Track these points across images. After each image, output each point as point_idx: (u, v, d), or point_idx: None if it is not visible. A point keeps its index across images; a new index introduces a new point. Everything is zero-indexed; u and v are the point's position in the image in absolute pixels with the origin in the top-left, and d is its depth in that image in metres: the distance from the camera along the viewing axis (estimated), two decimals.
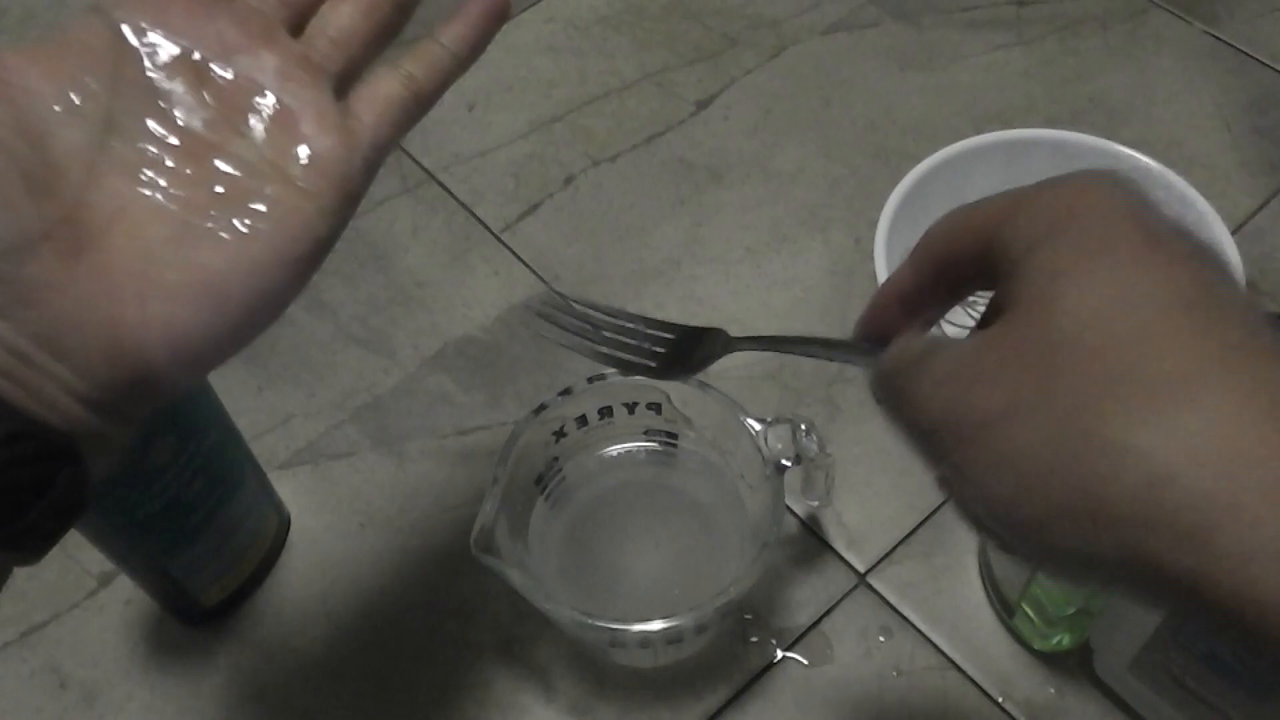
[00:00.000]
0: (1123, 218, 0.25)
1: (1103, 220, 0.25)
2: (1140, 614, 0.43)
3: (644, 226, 0.65)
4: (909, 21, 0.74)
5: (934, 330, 0.48)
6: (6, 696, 0.50)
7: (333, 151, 0.30)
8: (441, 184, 0.68)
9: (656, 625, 0.42)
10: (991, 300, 0.28)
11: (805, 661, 0.50)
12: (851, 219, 0.65)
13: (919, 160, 0.57)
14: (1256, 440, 0.22)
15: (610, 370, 0.48)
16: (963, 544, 0.52)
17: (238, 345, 0.29)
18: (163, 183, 0.28)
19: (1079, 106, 0.69)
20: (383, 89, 0.31)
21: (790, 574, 0.52)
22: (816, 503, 0.52)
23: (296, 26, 0.32)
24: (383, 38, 0.33)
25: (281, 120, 0.30)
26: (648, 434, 0.51)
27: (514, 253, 0.64)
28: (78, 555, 0.53)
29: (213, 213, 0.28)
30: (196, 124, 0.29)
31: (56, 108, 0.27)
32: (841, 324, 0.60)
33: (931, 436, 0.27)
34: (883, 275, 0.53)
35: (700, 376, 0.47)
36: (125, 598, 0.52)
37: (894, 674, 0.49)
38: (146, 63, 0.29)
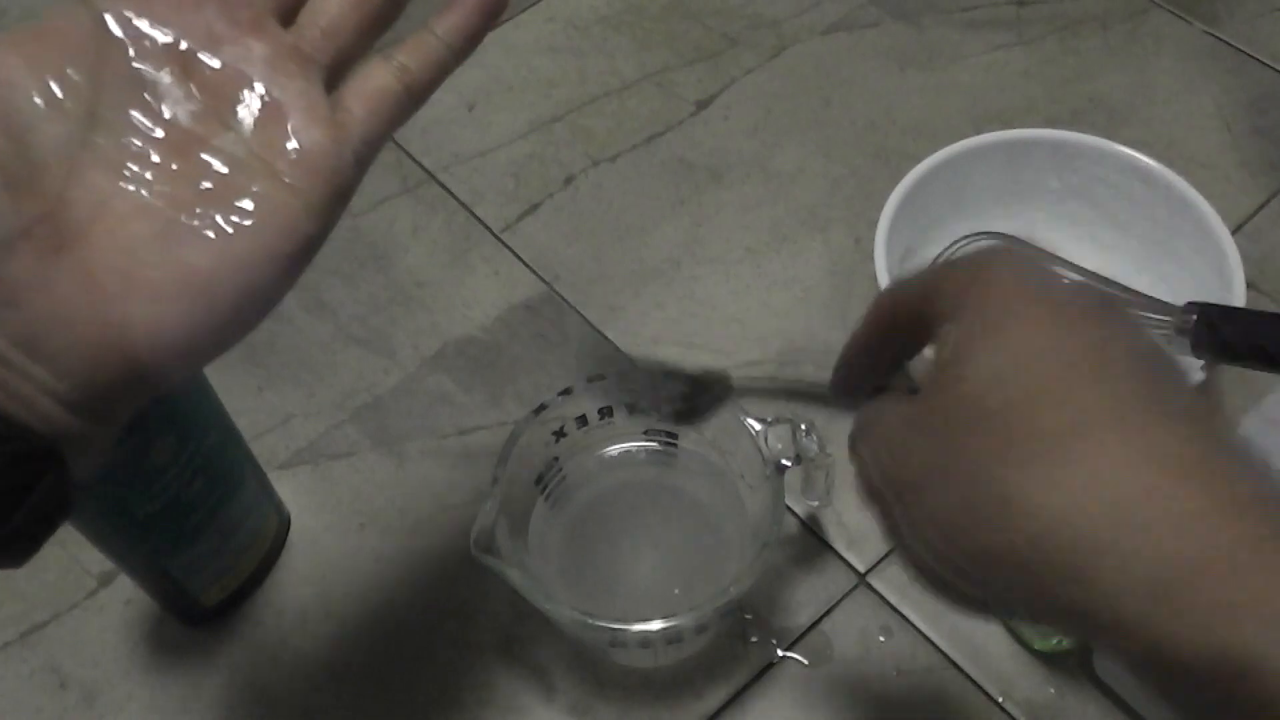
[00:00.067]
0: (1020, 288, 0.28)
1: (1003, 292, 0.28)
2: None
3: (644, 226, 0.65)
4: (909, 21, 0.74)
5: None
6: (6, 696, 0.50)
7: (322, 146, 0.29)
8: (441, 184, 0.68)
9: (656, 625, 0.42)
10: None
11: (805, 661, 0.50)
12: (851, 219, 0.65)
13: (919, 160, 0.57)
14: (1134, 485, 0.24)
15: (611, 371, 0.48)
16: None
17: (225, 345, 0.28)
18: (147, 178, 0.27)
19: (1079, 106, 0.69)
20: (375, 82, 0.30)
21: (790, 574, 0.52)
22: (816, 503, 0.52)
23: (286, 16, 0.31)
24: (375, 28, 0.31)
25: (270, 113, 0.29)
26: (648, 434, 0.51)
27: (514, 253, 0.64)
28: (78, 555, 0.53)
29: (198, 209, 0.27)
30: (182, 117, 0.28)
31: (37, 101, 0.27)
32: (842, 324, 0.60)
33: (875, 496, 0.30)
34: (883, 275, 0.53)
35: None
36: (125, 598, 0.52)
37: (894, 674, 0.49)
38: (131, 53, 0.28)
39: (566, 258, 0.64)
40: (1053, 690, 0.48)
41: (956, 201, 0.59)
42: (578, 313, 0.61)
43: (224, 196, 0.28)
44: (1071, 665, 0.48)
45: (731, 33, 0.74)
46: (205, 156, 0.28)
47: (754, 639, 0.50)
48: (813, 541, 0.53)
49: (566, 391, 0.48)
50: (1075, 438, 0.25)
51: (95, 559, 0.50)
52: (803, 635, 0.50)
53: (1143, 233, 0.58)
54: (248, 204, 0.28)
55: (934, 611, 0.51)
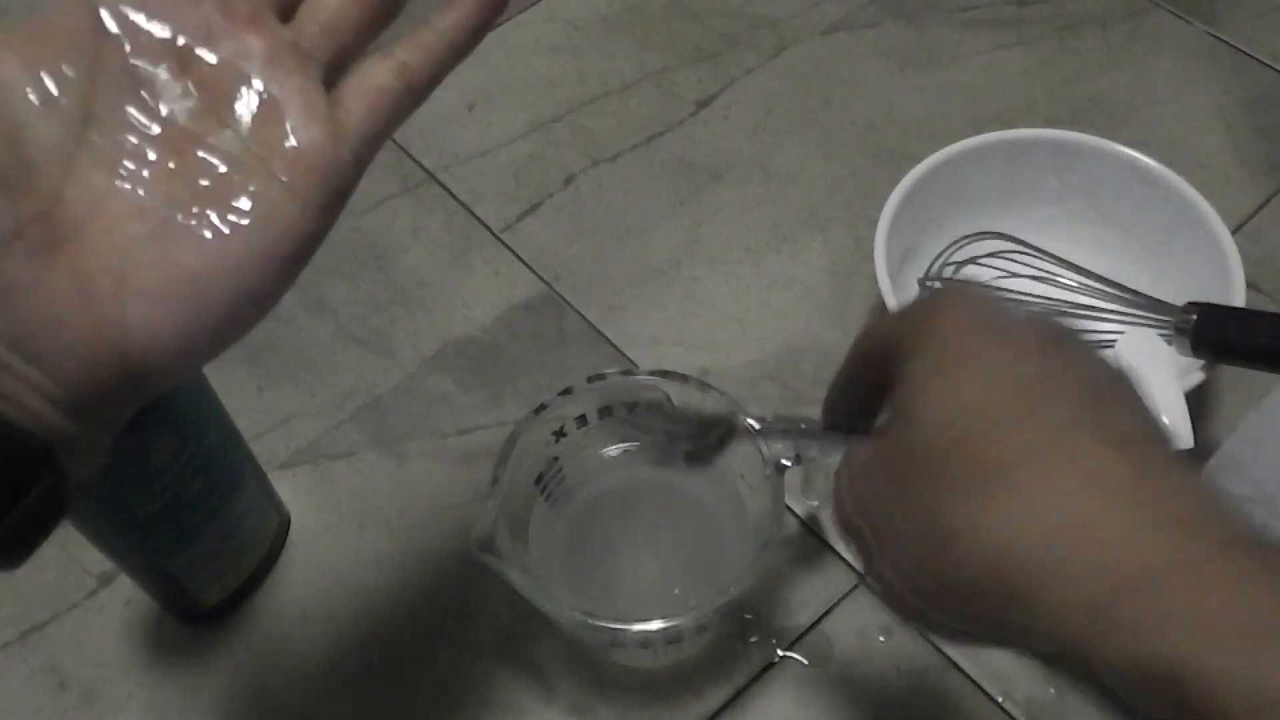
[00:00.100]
0: (970, 332, 0.29)
1: (953, 336, 0.29)
2: None
3: (644, 226, 0.65)
4: (909, 21, 0.74)
5: None
6: (6, 696, 0.50)
7: (320, 144, 0.28)
8: (441, 184, 0.68)
9: (656, 625, 0.42)
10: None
11: (805, 661, 0.50)
12: (851, 219, 0.65)
13: (919, 160, 0.57)
14: (1072, 511, 0.25)
15: (610, 370, 0.48)
16: None
17: (220, 347, 0.28)
18: (142, 177, 0.27)
19: (1079, 106, 0.69)
20: (374, 79, 0.30)
21: (790, 574, 0.52)
22: (816, 503, 0.52)
23: (285, 12, 0.30)
24: (375, 25, 0.31)
25: (267, 111, 0.28)
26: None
27: (514, 253, 0.64)
28: (78, 555, 0.53)
29: (194, 209, 0.27)
30: (178, 114, 0.28)
31: (31, 98, 0.26)
32: (842, 324, 0.60)
33: (849, 531, 0.31)
34: (883, 275, 0.53)
35: (700, 377, 0.48)
36: (125, 598, 0.52)
37: (894, 674, 0.49)
38: (127, 48, 0.28)
39: (566, 258, 0.64)
40: (1053, 690, 0.48)
41: (956, 201, 0.59)
42: (578, 313, 0.61)
43: (220, 196, 0.27)
44: (1071, 665, 0.48)
45: (731, 33, 0.74)
46: (201, 155, 0.28)
47: (754, 639, 0.50)
48: (813, 541, 0.53)
49: (566, 391, 0.48)
50: (1017, 469, 0.26)
51: (95, 559, 0.50)
52: (803, 635, 0.50)
53: (1143, 233, 0.58)
54: (244, 203, 0.27)
55: None
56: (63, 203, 0.26)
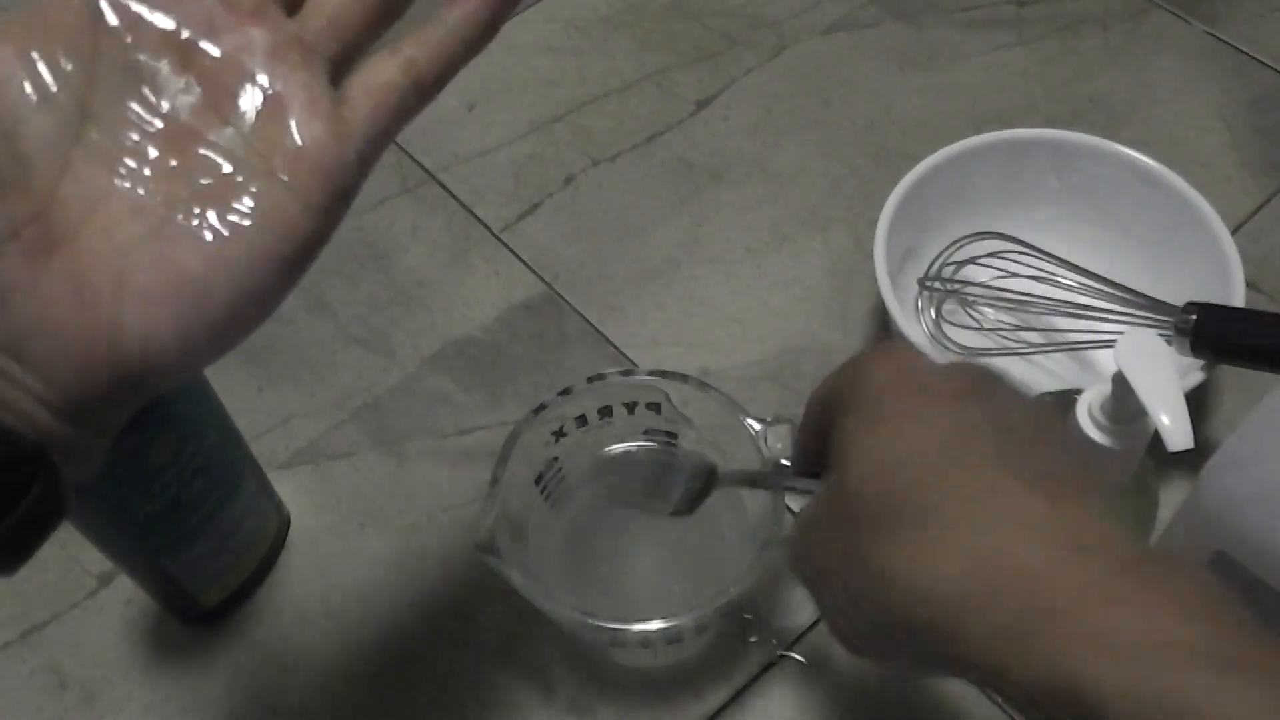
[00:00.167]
0: (894, 386, 0.31)
1: (878, 391, 0.31)
2: None
3: (644, 226, 0.65)
4: (909, 21, 0.74)
5: (936, 331, 0.51)
6: (6, 696, 0.50)
7: (323, 143, 0.27)
8: (441, 184, 0.68)
9: (656, 625, 0.42)
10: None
11: (805, 661, 0.50)
12: (851, 219, 0.65)
13: (919, 160, 0.57)
14: (988, 547, 0.27)
15: (610, 370, 0.49)
16: None
17: (220, 350, 0.27)
18: (142, 175, 0.26)
19: (1079, 106, 0.69)
20: (381, 75, 0.29)
21: (790, 574, 0.52)
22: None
23: (291, 5, 0.29)
24: (383, 20, 0.30)
25: (270, 107, 0.27)
26: (648, 434, 0.51)
27: (514, 253, 0.64)
28: (78, 555, 0.53)
29: (195, 209, 0.26)
30: (178, 110, 0.27)
31: (28, 93, 0.25)
32: (841, 324, 0.60)
33: (802, 579, 0.33)
34: (883, 275, 0.53)
35: (700, 377, 0.48)
36: (125, 598, 0.52)
37: (894, 673, 0.49)
38: (127, 41, 0.27)
39: (566, 258, 0.64)
40: None
41: (956, 201, 0.59)
42: (578, 313, 0.61)
43: (220, 195, 0.26)
44: None
45: (731, 33, 0.74)
46: (202, 152, 0.27)
47: (754, 639, 0.50)
48: None
49: (566, 391, 0.48)
50: (938, 512, 0.28)
51: (95, 559, 0.50)
52: (803, 635, 0.50)
53: (1143, 233, 0.58)
54: (245, 204, 0.26)
55: None
56: (59, 202, 0.25)
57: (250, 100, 0.27)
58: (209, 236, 0.26)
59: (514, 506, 0.46)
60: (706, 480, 0.43)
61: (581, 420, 0.49)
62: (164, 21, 0.27)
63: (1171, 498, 0.46)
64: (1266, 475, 0.38)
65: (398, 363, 0.60)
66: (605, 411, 0.49)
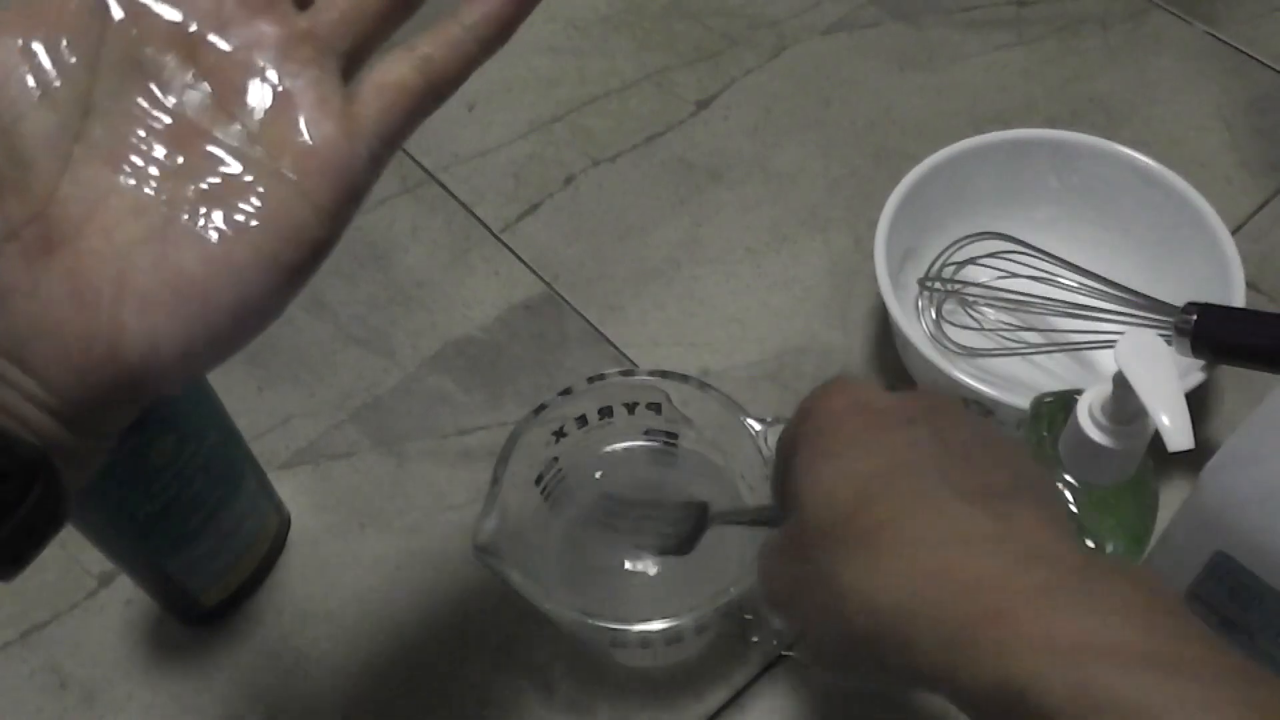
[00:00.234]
0: (843, 417, 0.33)
1: (832, 422, 0.33)
2: None
3: (644, 226, 0.65)
4: (909, 21, 0.74)
5: (936, 331, 0.51)
6: (6, 696, 0.50)
7: (334, 142, 0.27)
8: (441, 184, 0.68)
9: (657, 625, 0.42)
10: None
11: (805, 661, 0.50)
12: (851, 219, 0.65)
13: (919, 160, 0.57)
14: (933, 561, 0.28)
15: (610, 370, 0.49)
16: None
17: (223, 354, 0.27)
18: (145, 173, 0.25)
19: (1079, 106, 0.69)
20: (395, 74, 0.28)
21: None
22: None
23: None
24: (397, 15, 0.29)
25: (279, 104, 0.26)
26: (648, 434, 0.51)
27: (514, 253, 0.64)
28: (78, 555, 0.53)
29: (200, 209, 0.25)
30: (184, 106, 0.26)
31: (29, 87, 0.25)
32: (841, 324, 0.60)
33: (776, 608, 0.34)
34: (883, 275, 0.53)
35: (700, 377, 0.48)
36: (125, 598, 0.52)
37: None
38: (133, 33, 0.26)
39: (566, 258, 0.64)
40: None
41: (956, 201, 0.59)
42: (578, 313, 0.61)
43: (225, 196, 0.26)
44: None
45: (731, 33, 0.74)
46: (208, 150, 0.26)
47: (754, 639, 0.50)
48: None
49: (566, 391, 0.48)
50: (886, 532, 0.29)
51: (95, 559, 0.50)
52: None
53: (1143, 233, 0.58)
54: (252, 204, 0.26)
55: None
56: (59, 201, 0.25)
57: (259, 97, 0.27)
58: (214, 237, 0.25)
59: (514, 506, 0.46)
60: (697, 522, 0.43)
61: (582, 420, 0.49)
62: (171, 14, 0.26)
63: (1171, 498, 0.46)
64: (1266, 475, 0.38)
65: (398, 363, 0.60)
66: (606, 412, 0.49)
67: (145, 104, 0.26)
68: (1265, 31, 0.72)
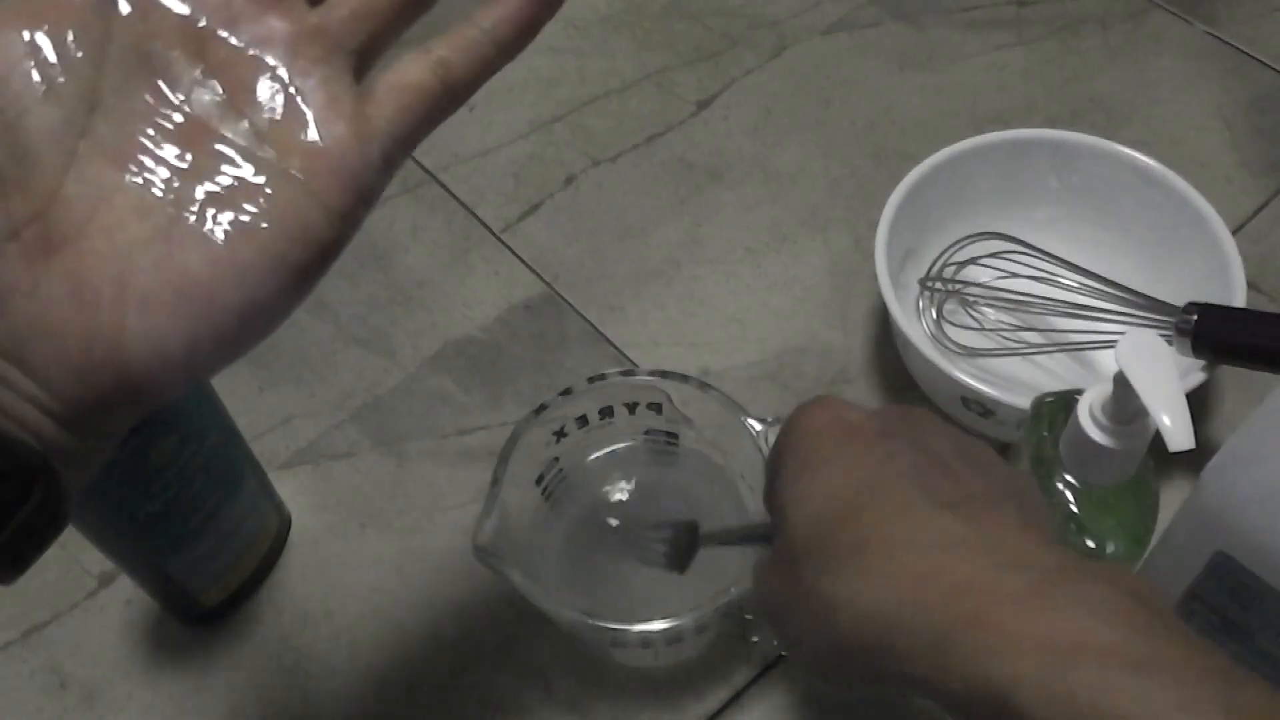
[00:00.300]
0: (821, 434, 0.33)
1: (812, 439, 0.33)
2: None
3: (644, 226, 0.65)
4: (909, 21, 0.74)
5: (937, 331, 0.51)
6: (6, 696, 0.50)
7: (344, 143, 0.26)
8: (441, 184, 0.68)
9: (657, 625, 0.42)
10: None
11: None
12: (851, 219, 0.65)
13: (919, 160, 0.57)
14: (916, 568, 0.28)
15: (610, 370, 0.49)
16: None
17: (230, 356, 0.26)
18: (150, 172, 0.25)
19: (1079, 106, 0.69)
20: (409, 75, 0.27)
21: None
22: None
23: None
24: (411, 11, 0.28)
25: (289, 103, 0.26)
26: (648, 434, 0.51)
27: (514, 253, 0.64)
28: (78, 555, 0.53)
29: (206, 209, 0.25)
30: (192, 103, 0.25)
31: (34, 81, 0.24)
32: (841, 324, 0.60)
33: (768, 621, 0.34)
34: (883, 275, 0.53)
35: (700, 377, 0.48)
36: (125, 598, 0.52)
37: None
38: (140, 28, 0.25)
39: (566, 258, 0.64)
40: None
41: (956, 201, 0.59)
42: (578, 313, 0.61)
43: (233, 196, 0.25)
44: None
45: (731, 33, 0.74)
46: (216, 149, 0.25)
47: (754, 639, 0.50)
48: None
49: (567, 391, 0.48)
50: (869, 543, 0.30)
51: (95, 559, 0.50)
52: None
53: (1143, 233, 0.58)
54: (259, 205, 0.25)
55: None
56: (62, 200, 0.24)
57: (268, 95, 0.26)
58: (220, 237, 0.25)
59: (514, 507, 0.46)
60: (688, 543, 0.44)
61: (582, 420, 0.49)
62: (180, 8, 0.26)
63: (1172, 498, 0.46)
64: (1267, 475, 0.38)
65: (398, 363, 0.60)
66: (606, 412, 0.49)
67: (152, 101, 0.25)
68: (1265, 31, 0.72)
